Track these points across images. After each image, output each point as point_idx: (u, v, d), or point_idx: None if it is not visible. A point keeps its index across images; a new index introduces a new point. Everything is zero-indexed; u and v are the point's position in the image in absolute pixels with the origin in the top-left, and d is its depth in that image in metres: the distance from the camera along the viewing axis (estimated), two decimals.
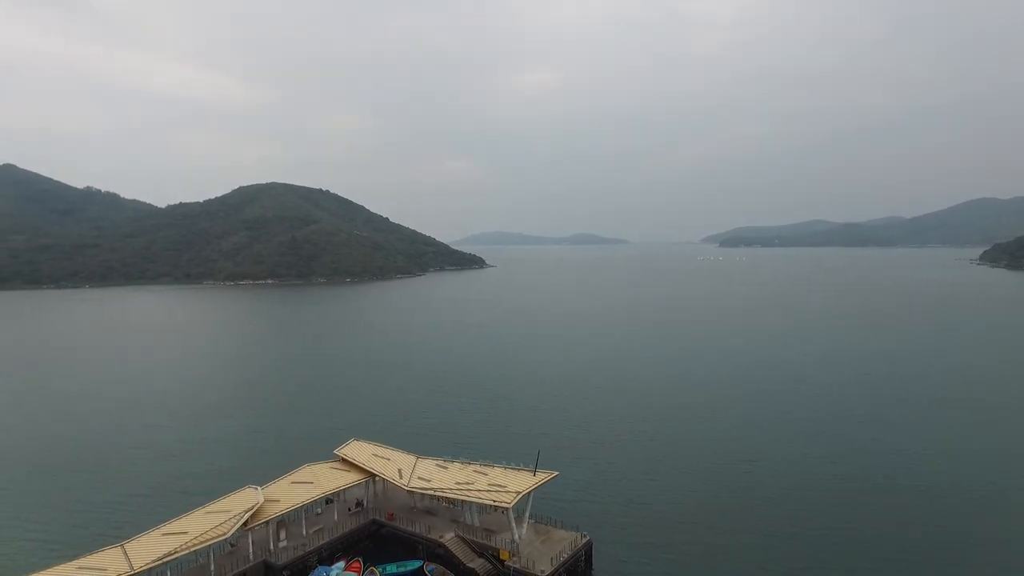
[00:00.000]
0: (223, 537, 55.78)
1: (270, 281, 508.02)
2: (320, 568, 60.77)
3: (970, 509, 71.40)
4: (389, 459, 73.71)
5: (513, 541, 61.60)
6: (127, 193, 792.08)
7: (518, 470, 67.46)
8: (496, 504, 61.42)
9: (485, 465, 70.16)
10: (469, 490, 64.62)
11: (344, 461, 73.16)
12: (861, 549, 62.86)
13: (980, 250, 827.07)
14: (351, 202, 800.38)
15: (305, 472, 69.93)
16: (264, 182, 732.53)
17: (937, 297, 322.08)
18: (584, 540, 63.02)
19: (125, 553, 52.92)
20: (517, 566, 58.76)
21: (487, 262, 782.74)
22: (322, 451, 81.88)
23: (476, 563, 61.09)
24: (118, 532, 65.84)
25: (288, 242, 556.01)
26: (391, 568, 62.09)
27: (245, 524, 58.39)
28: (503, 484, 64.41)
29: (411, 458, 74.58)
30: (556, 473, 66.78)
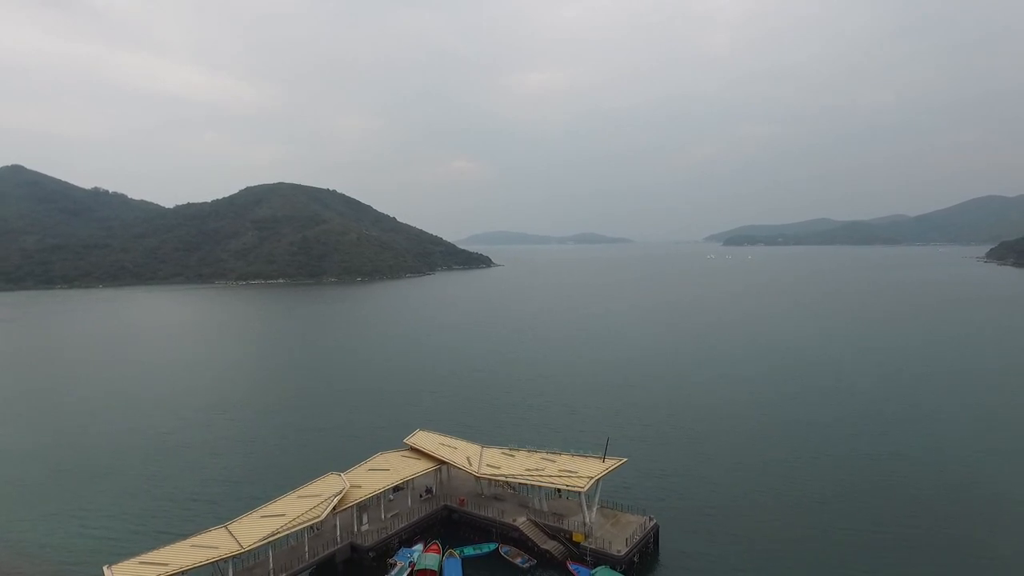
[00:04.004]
0: (317, 520, 58.91)
1: (281, 280, 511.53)
2: (403, 550, 63.87)
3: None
4: (456, 448, 76.84)
5: (585, 524, 64.57)
6: (132, 195, 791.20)
7: (586, 457, 70.54)
8: (571, 489, 64.43)
9: (552, 453, 73.30)
10: (541, 476, 67.70)
11: (414, 450, 76.19)
12: (919, 551, 63.45)
13: (985, 248, 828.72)
14: (359, 202, 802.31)
15: (380, 460, 73.19)
16: (271, 182, 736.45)
17: (956, 296, 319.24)
18: (652, 523, 65.98)
19: (231, 533, 56.10)
20: (593, 547, 61.83)
21: (494, 261, 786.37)
22: (388, 441, 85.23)
23: (550, 545, 64.18)
24: (218, 513, 69.96)
25: (299, 241, 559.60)
26: (468, 550, 65.20)
27: (335, 508, 61.43)
28: (573, 470, 67.43)
29: (476, 447, 77.72)
30: (625, 459, 69.83)
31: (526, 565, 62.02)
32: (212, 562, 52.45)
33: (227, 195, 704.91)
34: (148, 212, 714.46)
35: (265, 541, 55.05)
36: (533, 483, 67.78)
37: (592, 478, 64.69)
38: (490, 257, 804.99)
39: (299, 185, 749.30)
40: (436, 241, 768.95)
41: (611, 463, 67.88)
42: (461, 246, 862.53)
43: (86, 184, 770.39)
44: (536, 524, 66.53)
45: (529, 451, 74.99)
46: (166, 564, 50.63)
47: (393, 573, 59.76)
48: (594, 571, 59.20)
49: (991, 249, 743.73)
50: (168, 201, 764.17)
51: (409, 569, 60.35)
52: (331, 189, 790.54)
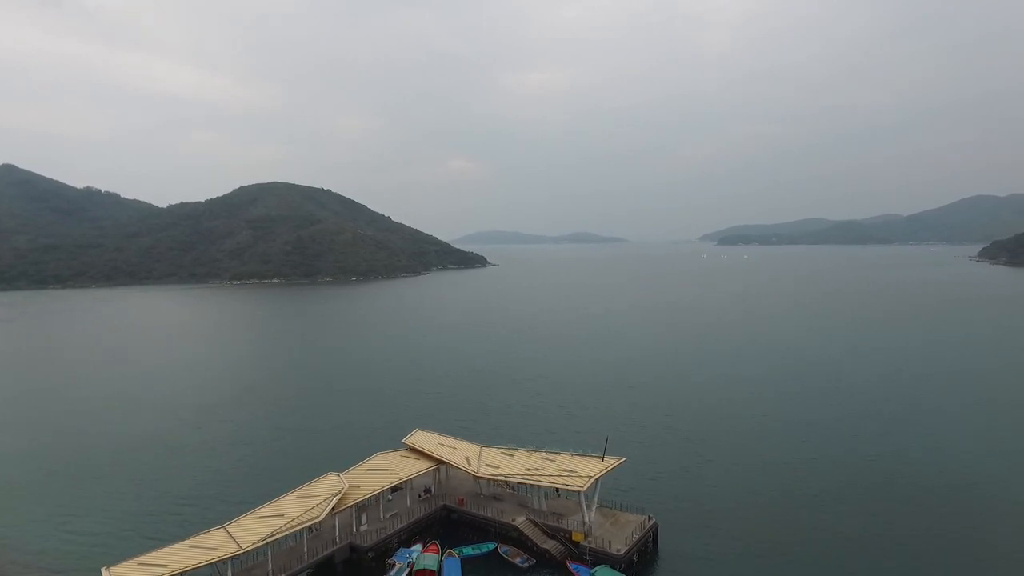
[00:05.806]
0: (316, 520, 58.50)
1: (276, 280, 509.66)
2: (402, 550, 63.43)
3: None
4: (455, 448, 76.49)
5: (585, 523, 64.30)
6: (132, 195, 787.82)
7: (585, 456, 70.26)
8: (570, 488, 64.17)
9: (551, 452, 73.02)
10: (540, 476, 67.41)
11: (412, 450, 75.79)
12: (919, 551, 63.08)
13: (977, 247, 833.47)
14: (354, 202, 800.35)
15: (378, 460, 72.82)
16: (266, 182, 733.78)
17: (955, 296, 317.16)
18: (651, 522, 65.77)
19: (229, 534, 55.68)
20: (592, 546, 61.56)
21: (489, 260, 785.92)
22: (387, 441, 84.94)
23: (549, 544, 63.89)
24: (216, 514, 69.43)
25: (293, 241, 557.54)
26: (467, 550, 64.83)
27: (333, 509, 60.96)
28: (573, 470, 67.21)
29: (475, 447, 77.43)
30: (624, 459, 69.63)
31: (525, 565, 61.76)
32: (211, 563, 52.02)
33: (221, 194, 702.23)
34: (141, 211, 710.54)
35: (264, 542, 54.61)
36: (532, 483, 67.53)
37: (591, 477, 64.48)
38: (485, 257, 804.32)
39: (294, 184, 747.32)
40: (431, 241, 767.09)
41: (610, 462, 67.69)
42: (456, 245, 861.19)
43: (86, 184, 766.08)
44: (535, 524, 66.25)
45: (528, 451, 74.74)
46: (165, 565, 50.16)
47: (392, 573, 59.42)
48: (594, 570, 58.98)
49: (983, 248, 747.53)
50: (167, 201, 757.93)
51: (408, 569, 60.00)
52: (326, 188, 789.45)
